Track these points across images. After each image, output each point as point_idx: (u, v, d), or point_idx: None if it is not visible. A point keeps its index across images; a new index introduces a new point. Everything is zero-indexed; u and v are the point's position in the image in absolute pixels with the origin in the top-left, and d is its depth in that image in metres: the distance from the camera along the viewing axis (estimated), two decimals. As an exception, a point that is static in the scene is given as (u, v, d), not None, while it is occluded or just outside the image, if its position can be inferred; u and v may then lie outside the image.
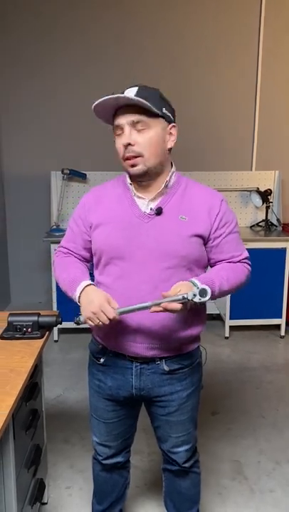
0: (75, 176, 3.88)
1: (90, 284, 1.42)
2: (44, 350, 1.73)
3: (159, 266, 1.40)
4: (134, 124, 1.36)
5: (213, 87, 4.09)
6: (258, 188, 4.05)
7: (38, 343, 1.68)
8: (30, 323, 1.71)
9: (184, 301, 1.29)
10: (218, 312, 3.99)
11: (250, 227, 4.11)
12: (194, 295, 1.29)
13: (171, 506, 1.75)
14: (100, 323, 1.33)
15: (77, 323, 1.38)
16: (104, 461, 1.70)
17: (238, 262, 1.51)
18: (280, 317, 3.76)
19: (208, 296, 1.31)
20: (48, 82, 4.00)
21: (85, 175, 3.91)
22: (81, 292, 1.40)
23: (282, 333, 3.81)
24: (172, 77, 3.98)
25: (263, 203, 3.98)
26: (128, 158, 1.39)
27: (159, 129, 1.38)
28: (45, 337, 1.72)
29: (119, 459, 1.70)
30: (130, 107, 1.35)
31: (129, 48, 3.97)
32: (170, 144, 1.42)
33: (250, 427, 2.63)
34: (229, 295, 3.55)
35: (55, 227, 3.85)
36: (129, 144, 1.37)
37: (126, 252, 1.41)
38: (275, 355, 3.53)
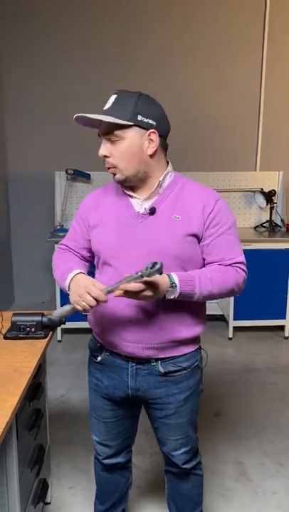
0: (79, 176, 3.88)
1: (81, 273, 1.43)
2: (47, 350, 1.73)
3: None
4: (107, 136, 1.38)
5: (217, 88, 4.08)
6: (262, 189, 4.04)
7: (42, 343, 1.68)
8: (34, 323, 1.71)
9: (138, 277, 1.25)
10: (221, 313, 3.98)
11: (254, 227, 4.09)
12: (146, 268, 1.25)
13: (174, 508, 1.74)
14: (88, 306, 1.32)
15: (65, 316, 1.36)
16: (104, 461, 1.70)
17: (230, 265, 1.44)
18: (284, 318, 3.74)
19: (158, 267, 1.24)
20: (52, 83, 4.01)
21: (89, 175, 3.91)
22: (71, 280, 1.42)
23: (287, 334, 3.79)
24: (175, 78, 3.98)
25: (267, 204, 3.97)
26: (108, 167, 1.42)
27: (134, 139, 1.37)
28: (48, 337, 1.72)
29: (119, 459, 1.70)
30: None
31: (132, 48, 3.97)
32: (150, 151, 1.39)
33: (254, 428, 2.62)
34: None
35: (59, 227, 3.86)
36: (106, 156, 1.40)
37: (120, 251, 1.43)
38: (279, 357, 3.52)
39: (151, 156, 1.40)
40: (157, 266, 1.25)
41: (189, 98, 4.02)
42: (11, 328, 1.73)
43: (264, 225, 4.07)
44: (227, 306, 3.75)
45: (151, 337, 1.44)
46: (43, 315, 1.74)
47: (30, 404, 1.62)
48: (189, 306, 1.44)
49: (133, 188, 1.46)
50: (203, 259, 1.47)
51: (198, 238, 1.43)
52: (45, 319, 1.72)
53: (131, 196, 1.46)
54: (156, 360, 1.48)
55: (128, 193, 1.46)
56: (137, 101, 1.36)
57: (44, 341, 1.69)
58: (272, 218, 3.98)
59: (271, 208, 3.97)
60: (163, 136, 1.43)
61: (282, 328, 3.82)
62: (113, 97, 1.39)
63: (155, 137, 1.38)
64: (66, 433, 2.52)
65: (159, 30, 3.96)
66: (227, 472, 2.28)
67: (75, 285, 1.39)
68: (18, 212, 4.26)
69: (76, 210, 1.62)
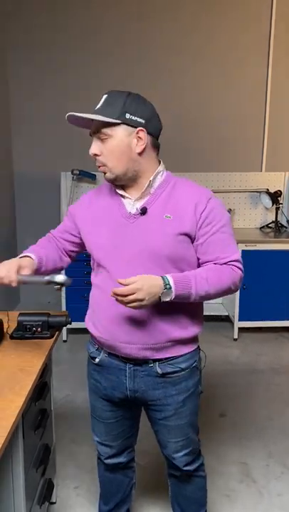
0: (85, 176, 3.89)
1: (27, 257, 1.50)
2: (53, 350, 1.74)
3: (144, 265, 1.39)
4: (97, 134, 1.40)
5: (223, 88, 4.06)
6: (267, 189, 4.03)
7: (48, 342, 1.69)
8: (40, 323, 1.72)
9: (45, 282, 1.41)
10: (227, 314, 3.97)
11: (260, 228, 4.09)
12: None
13: (179, 510, 1.74)
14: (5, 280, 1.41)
15: None
16: (106, 461, 1.71)
17: (225, 264, 1.43)
18: (290, 319, 3.74)
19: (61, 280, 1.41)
20: (57, 83, 4.01)
21: (95, 175, 3.92)
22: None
23: (292, 335, 3.79)
24: (183, 78, 3.97)
25: (272, 204, 3.96)
26: (99, 166, 1.44)
27: (122, 137, 1.37)
28: (54, 337, 1.73)
29: (121, 459, 1.71)
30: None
31: (140, 48, 3.98)
32: (138, 149, 1.39)
33: (258, 429, 2.62)
34: (238, 296, 3.57)
35: (64, 227, 3.86)
36: (96, 154, 1.41)
37: (112, 252, 1.43)
38: (284, 358, 3.51)
39: (140, 154, 1.40)
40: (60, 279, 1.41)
41: (196, 98, 4.01)
42: (17, 328, 1.74)
43: (270, 225, 4.06)
44: (232, 307, 3.74)
45: (147, 337, 1.44)
46: (49, 315, 1.75)
47: (36, 404, 1.62)
48: (185, 306, 1.43)
49: (124, 188, 1.46)
50: (198, 259, 1.46)
51: (191, 237, 1.42)
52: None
53: (123, 196, 1.46)
54: (154, 361, 1.48)
55: (120, 192, 1.46)
56: (126, 100, 1.38)
57: (50, 341, 1.70)
58: (278, 219, 3.98)
59: (277, 209, 3.97)
60: (154, 135, 1.42)
61: (287, 329, 3.80)
62: (104, 97, 1.41)
63: (144, 135, 1.38)
64: (71, 433, 2.53)
65: (167, 30, 3.96)
66: (231, 473, 2.28)
67: (7, 262, 1.46)
68: (24, 213, 4.27)
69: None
